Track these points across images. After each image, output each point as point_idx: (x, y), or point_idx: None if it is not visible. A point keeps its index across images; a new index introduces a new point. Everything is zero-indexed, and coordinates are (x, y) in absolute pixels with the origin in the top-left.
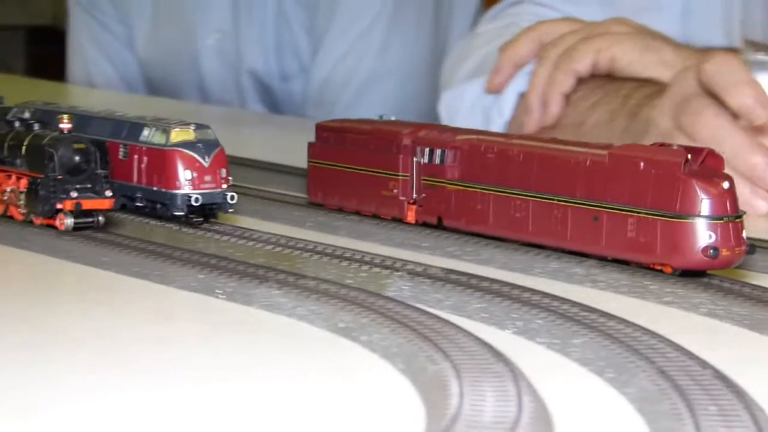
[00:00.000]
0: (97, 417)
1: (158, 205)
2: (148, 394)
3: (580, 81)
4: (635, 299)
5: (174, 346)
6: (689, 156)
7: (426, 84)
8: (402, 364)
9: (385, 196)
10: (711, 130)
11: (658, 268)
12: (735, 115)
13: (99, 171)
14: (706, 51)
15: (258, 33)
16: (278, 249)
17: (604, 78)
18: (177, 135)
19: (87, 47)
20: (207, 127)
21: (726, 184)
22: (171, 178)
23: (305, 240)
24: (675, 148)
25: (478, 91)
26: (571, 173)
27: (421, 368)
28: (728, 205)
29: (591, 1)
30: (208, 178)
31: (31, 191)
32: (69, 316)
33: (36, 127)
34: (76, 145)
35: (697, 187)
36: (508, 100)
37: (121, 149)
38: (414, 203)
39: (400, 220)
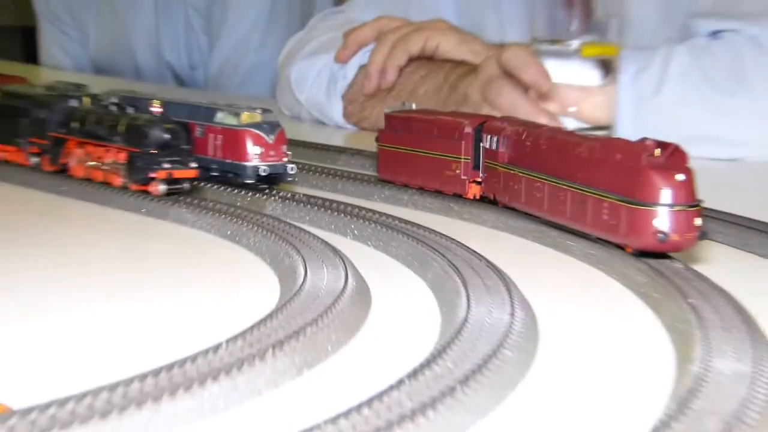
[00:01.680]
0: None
1: (230, 174)
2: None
3: (411, 60)
4: (443, 216)
5: (105, 247)
6: (657, 150)
7: None
8: (268, 258)
9: (449, 175)
10: (509, 101)
11: (624, 247)
12: (526, 89)
13: (184, 146)
14: (504, 45)
15: (172, 34)
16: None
17: (429, 59)
18: (247, 117)
19: (51, 46)
20: (270, 111)
21: (681, 176)
22: (242, 153)
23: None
24: (649, 142)
25: (326, 61)
26: (574, 161)
27: (281, 261)
28: (682, 195)
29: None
30: (272, 152)
31: (130, 163)
32: (35, 230)
33: (129, 110)
34: (166, 125)
35: (654, 178)
36: (351, 69)
37: (198, 129)
38: (473, 182)
39: (459, 196)
